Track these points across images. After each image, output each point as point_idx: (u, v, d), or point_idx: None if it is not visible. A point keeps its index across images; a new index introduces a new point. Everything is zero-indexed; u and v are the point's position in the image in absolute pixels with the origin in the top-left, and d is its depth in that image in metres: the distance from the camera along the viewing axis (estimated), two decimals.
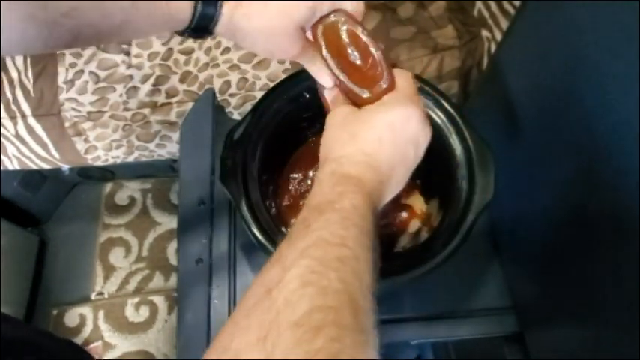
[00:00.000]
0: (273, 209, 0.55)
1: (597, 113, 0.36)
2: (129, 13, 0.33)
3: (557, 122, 0.42)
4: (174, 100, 0.79)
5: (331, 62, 0.38)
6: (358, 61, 0.38)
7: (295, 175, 0.57)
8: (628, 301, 0.35)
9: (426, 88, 0.49)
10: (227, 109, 0.77)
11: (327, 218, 0.29)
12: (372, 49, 0.37)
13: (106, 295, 1.11)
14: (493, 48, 0.75)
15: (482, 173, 0.46)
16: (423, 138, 0.36)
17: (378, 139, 0.35)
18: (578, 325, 0.44)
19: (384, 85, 0.37)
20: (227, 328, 0.26)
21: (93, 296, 1.12)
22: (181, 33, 0.37)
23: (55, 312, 1.10)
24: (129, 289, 1.12)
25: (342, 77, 0.38)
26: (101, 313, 1.09)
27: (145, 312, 1.09)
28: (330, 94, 0.41)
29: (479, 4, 0.77)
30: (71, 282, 1.13)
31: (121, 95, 0.79)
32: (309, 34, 0.39)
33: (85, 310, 1.10)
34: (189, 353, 0.53)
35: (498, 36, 0.75)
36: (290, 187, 0.57)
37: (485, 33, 0.76)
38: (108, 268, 1.14)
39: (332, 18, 0.37)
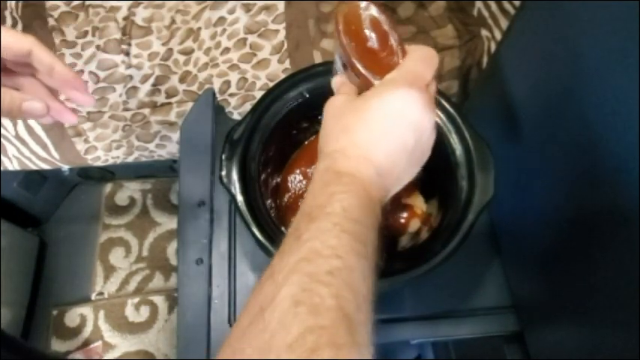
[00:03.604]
0: (273, 209, 0.55)
1: (597, 113, 0.36)
2: None
3: (557, 122, 0.42)
4: (174, 100, 0.79)
5: (347, 44, 0.37)
6: (375, 47, 0.37)
7: (295, 175, 0.57)
8: (628, 301, 0.35)
9: None
10: (227, 109, 0.77)
11: (318, 226, 0.28)
12: (392, 37, 0.36)
13: (106, 296, 1.11)
14: (493, 47, 0.75)
15: (482, 173, 0.46)
16: (425, 123, 0.33)
17: (370, 129, 0.33)
18: (578, 324, 0.44)
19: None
20: (224, 350, 0.25)
21: (93, 296, 1.12)
22: None
23: (55, 312, 1.10)
24: (129, 289, 1.12)
25: (356, 62, 0.36)
26: (101, 314, 1.09)
27: (145, 312, 1.09)
28: (338, 81, 0.40)
29: (479, 4, 0.77)
30: (71, 282, 1.14)
31: (120, 95, 0.79)
32: None
33: (86, 310, 1.10)
34: (189, 353, 0.53)
35: (498, 35, 0.75)
36: (290, 187, 0.57)
37: (485, 32, 0.76)
38: (108, 268, 1.14)
39: (357, 3, 0.37)
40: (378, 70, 0.36)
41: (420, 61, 0.35)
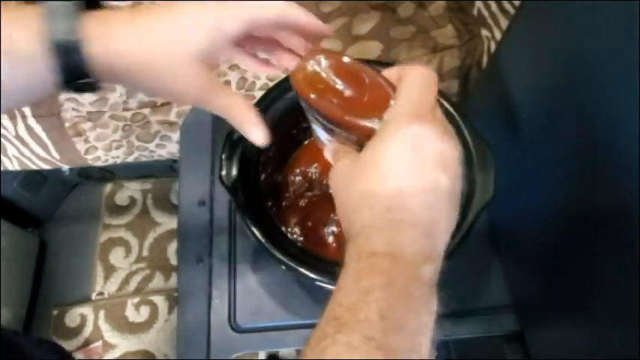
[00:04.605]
0: (273, 209, 0.55)
1: (597, 113, 0.36)
2: None
3: (557, 122, 0.42)
4: None
5: (326, 108, 0.32)
6: (355, 93, 0.32)
7: (295, 175, 0.57)
8: (628, 301, 0.35)
9: None
10: None
11: (347, 341, 0.23)
12: (364, 73, 0.32)
13: (106, 296, 1.11)
14: (493, 47, 0.75)
15: (482, 172, 0.46)
16: (449, 153, 0.28)
17: (394, 183, 0.27)
18: (578, 324, 0.44)
19: (394, 102, 0.31)
20: None
21: (93, 296, 1.12)
22: (63, 91, 0.30)
23: (55, 312, 1.10)
24: (129, 289, 1.12)
25: (350, 118, 0.31)
26: (101, 313, 1.09)
27: (145, 312, 1.09)
28: (331, 149, 0.34)
29: (478, 4, 0.77)
30: (71, 282, 1.14)
31: (120, 95, 0.79)
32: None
33: (86, 310, 1.10)
34: (189, 353, 0.53)
35: (498, 35, 0.75)
36: (290, 187, 0.57)
37: (484, 32, 0.76)
38: (108, 268, 1.14)
39: (307, 62, 0.33)
40: (374, 112, 0.31)
41: (419, 87, 0.29)
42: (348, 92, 0.32)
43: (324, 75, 0.33)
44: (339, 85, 0.32)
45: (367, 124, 0.31)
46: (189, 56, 0.29)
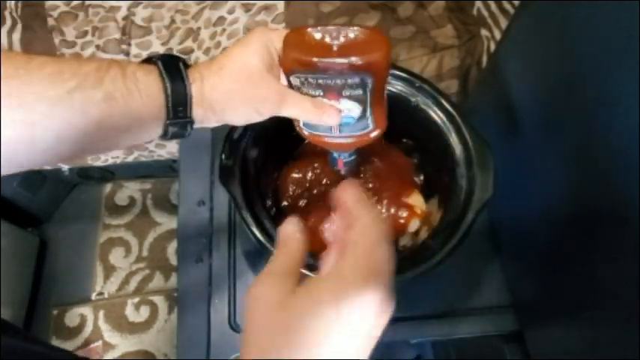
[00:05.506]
0: (273, 209, 0.55)
1: (597, 113, 0.36)
2: (104, 108, 0.32)
3: (556, 121, 0.42)
4: None
5: (333, 62, 0.36)
6: (344, 39, 0.36)
7: (295, 175, 0.57)
8: (628, 301, 0.35)
9: (426, 87, 0.49)
10: None
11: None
12: (335, 26, 0.36)
13: (106, 296, 1.12)
14: (492, 47, 0.75)
15: (481, 172, 0.46)
16: (380, 328, 0.26)
17: (326, 354, 0.24)
18: (578, 324, 0.44)
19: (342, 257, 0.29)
20: None
21: (93, 296, 1.12)
22: (164, 133, 0.36)
23: (55, 312, 1.10)
24: (129, 289, 1.12)
25: (355, 58, 0.35)
26: (101, 313, 1.09)
27: (145, 312, 1.09)
28: (289, 230, 0.33)
29: (478, 4, 0.77)
30: (71, 282, 1.14)
31: None
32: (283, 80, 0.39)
33: (86, 310, 1.10)
34: (189, 353, 0.53)
35: (498, 35, 0.75)
36: (290, 187, 0.57)
37: (484, 32, 0.76)
38: (108, 268, 1.14)
39: (293, 38, 0.37)
40: (371, 46, 0.35)
41: (372, 244, 0.27)
42: (336, 42, 0.36)
43: (313, 39, 0.37)
44: (329, 40, 0.36)
45: (371, 58, 0.35)
46: (258, 71, 0.36)
